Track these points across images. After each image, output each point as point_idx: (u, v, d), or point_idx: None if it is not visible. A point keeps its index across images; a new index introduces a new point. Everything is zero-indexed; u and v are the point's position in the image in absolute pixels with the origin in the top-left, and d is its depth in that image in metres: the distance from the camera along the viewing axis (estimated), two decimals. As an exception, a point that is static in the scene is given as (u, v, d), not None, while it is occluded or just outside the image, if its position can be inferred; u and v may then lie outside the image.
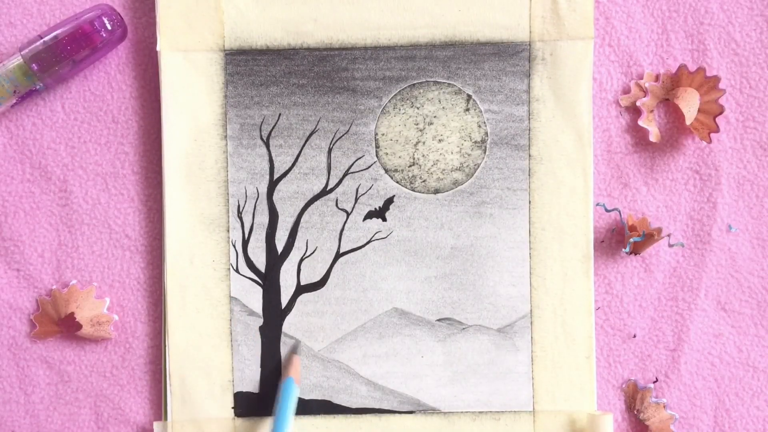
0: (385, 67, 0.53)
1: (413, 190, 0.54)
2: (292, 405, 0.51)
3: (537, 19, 0.53)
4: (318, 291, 0.54)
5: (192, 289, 0.54)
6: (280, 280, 0.54)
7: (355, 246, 0.54)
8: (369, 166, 0.54)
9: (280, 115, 0.54)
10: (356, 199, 0.54)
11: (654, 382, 0.55)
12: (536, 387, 0.54)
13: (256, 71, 0.53)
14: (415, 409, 0.54)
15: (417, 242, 0.54)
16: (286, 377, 0.52)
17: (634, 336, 0.55)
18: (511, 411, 0.54)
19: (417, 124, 0.54)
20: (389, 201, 0.54)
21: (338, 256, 0.54)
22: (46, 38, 0.51)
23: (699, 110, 0.53)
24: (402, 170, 0.54)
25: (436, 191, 0.54)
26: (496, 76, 0.53)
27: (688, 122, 0.52)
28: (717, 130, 0.53)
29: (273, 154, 0.54)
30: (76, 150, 0.54)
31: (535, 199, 0.54)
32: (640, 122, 0.53)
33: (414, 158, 0.54)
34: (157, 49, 0.53)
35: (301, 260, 0.54)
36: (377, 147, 0.54)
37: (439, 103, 0.54)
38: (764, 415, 0.55)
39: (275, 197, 0.54)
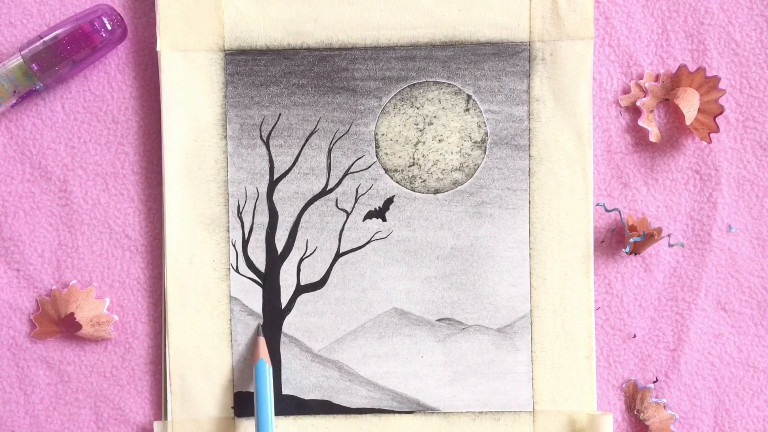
0: (385, 67, 0.53)
1: (413, 190, 0.54)
2: (270, 386, 0.52)
3: (537, 19, 0.53)
4: (318, 291, 0.54)
5: (192, 289, 0.54)
6: (280, 280, 0.54)
7: (355, 246, 0.54)
8: (369, 166, 0.54)
9: (280, 115, 0.54)
10: (356, 199, 0.54)
11: (654, 382, 0.55)
12: (536, 387, 0.54)
13: (256, 71, 0.53)
14: (415, 409, 0.54)
15: (417, 242, 0.54)
16: (257, 360, 0.52)
17: (634, 336, 0.55)
18: (511, 411, 0.54)
19: (417, 124, 0.54)
20: (389, 201, 0.54)
21: (338, 256, 0.54)
22: (46, 38, 0.51)
23: (699, 110, 0.53)
24: (402, 170, 0.54)
25: (436, 191, 0.54)
26: (496, 76, 0.53)
27: (688, 122, 0.52)
28: (717, 130, 0.53)
29: (273, 154, 0.54)
30: (76, 150, 0.54)
31: (535, 199, 0.54)
32: (640, 122, 0.53)
33: (414, 158, 0.54)
34: (157, 49, 0.53)
35: (301, 260, 0.54)
36: (377, 147, 0.54)
37: (439, 103, 0.54)
38: (764, 415, 0.55)
39: (275, 197, 0.54)
